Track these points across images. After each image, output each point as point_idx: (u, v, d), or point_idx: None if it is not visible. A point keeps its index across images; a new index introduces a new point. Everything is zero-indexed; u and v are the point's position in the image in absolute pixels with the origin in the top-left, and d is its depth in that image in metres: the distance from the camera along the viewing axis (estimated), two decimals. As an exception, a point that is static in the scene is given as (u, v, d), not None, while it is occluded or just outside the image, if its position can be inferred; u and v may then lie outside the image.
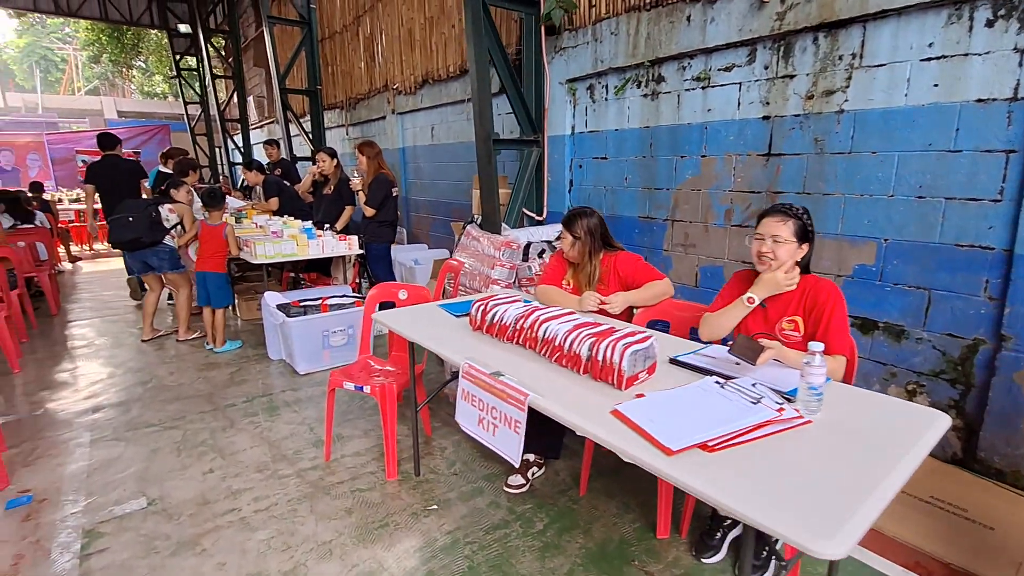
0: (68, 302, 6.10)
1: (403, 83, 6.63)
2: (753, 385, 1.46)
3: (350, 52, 8.04)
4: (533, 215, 4.32)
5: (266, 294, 3.87)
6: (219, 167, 15.64)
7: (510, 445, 1.51)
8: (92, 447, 2.78)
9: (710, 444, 1.20)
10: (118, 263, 7.10)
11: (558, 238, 4.00)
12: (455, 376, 3.05)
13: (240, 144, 13.54)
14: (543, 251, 3.65)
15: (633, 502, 2.28)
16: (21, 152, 15.52)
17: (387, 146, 7.34)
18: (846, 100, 2.80)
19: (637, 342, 1.52)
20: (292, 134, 8.57)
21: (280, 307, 3.74)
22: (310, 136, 8.57)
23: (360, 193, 4.45)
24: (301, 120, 8.79)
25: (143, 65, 28.06)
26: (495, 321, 1.95)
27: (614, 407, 1.38)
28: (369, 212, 4.41)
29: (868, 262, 2.80)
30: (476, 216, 4.56)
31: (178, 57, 15.87)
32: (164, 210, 4.23)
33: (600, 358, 1.53)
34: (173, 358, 4.12)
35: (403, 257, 5.74)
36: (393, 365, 2.80)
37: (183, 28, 14.93)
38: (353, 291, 4.31)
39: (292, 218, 5.09)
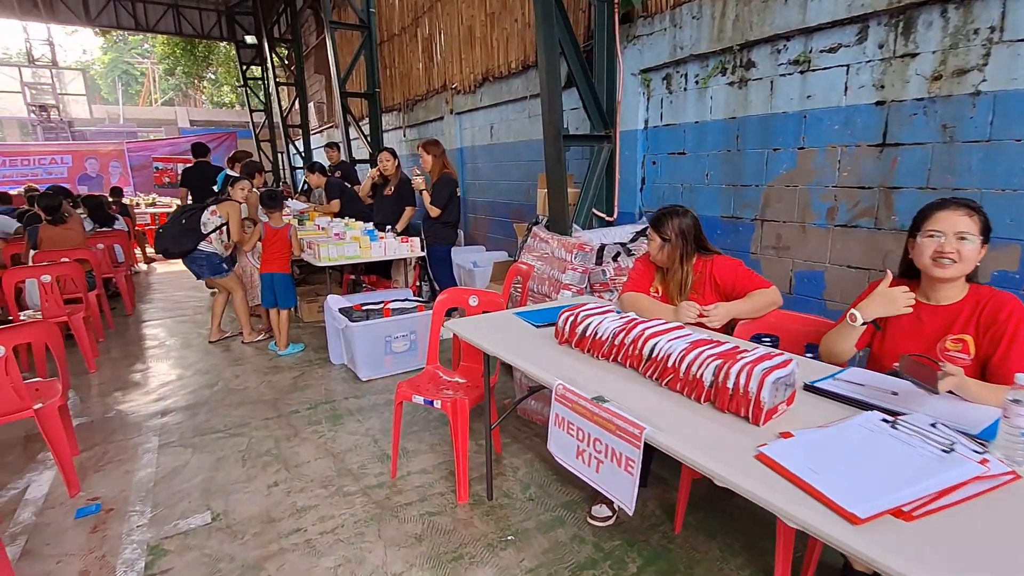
0: (142, 302, 6.32)
1: (462, 82, 6.50)
2: (933, 425, 1.15)
3: (408, 54, 8.01)
4: (603, 216, 4.05)
5: (328, 297, 3.79)
6: (281, 171, 16.16)
7: (621, 487, 1.27)
8: (159, 453, 2.74)
9: (906, 509, 0.92)
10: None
11: (632, 240, 3.73)
12: (531, 391, 2.84)
13: (301, 149, 13.92)
14: (618, 254, 3.38)
15: (738, 544, 1.98)
16: (104, 159, 16.60)
17: (445, 147, 7.25)
18: (983, 80, 2.40)
19: (777, 367, 1.24)
20: (351, 137, 8.65)
21: (342, 311, 3.64)
22: (368, 139, 8.62)
23: (424, 193, 4.32)
24: (360, 123, 8.86)
25: (213, 77, 29.65)
26: (587, 334, 1.72)
27: (758, 450, 1.11)
28: (434, 212, 4.27)
29: (1010, 268, 2.39)
30: (541, 217, 4.34)
31: (244, 67, 16.57)
32: (206, 214, 4.17)
33: (730, 385, 1.26)
34: (238, 360, 4.11)
35: (461, 259, 5.59)
36: (462, 376, 2.61)
37: (249, 39, 15.57)
38: (414, 294, 4.18)
39: (353, 220, 5.04)
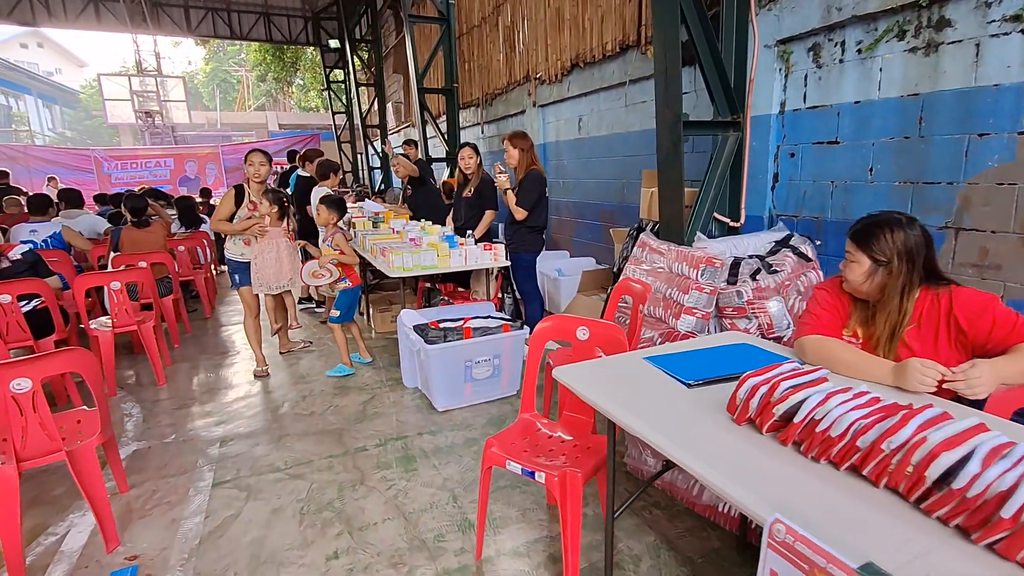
0: (222, 304, 6.27)
1: (547, 71, 5.93)
2: None
3: (488, 45, 7.55)
4: (726, 221, 3.33)
5: (402, 313, 3.35)
6: (360, 172, 16.37)
7: None
8: (212, 495, 2.38)
9: None
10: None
11: (771, 253, 3.00)
12: (668, 467, 2.17)
13: (379, 149, 13.95)
14: (757, 271, 2.67)
15: None
16: (202, 162, 17.59)
17: None
18: None
19: None
20: (428, 136, 8.33)
21: (418, 329, 3.18)
22: (445, 136, 8.26)
23: (508, 193, 3.79)
24: (437, 121, 8.54)
25: (301, 82, 31.04)
26: (800, 421, 1.08)
27: None
28: (520, 215, 3.73)
29: None
30: (645, 221, 3.68)
31: (328, 71, 16.96)
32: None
33: None
34: (306, 377, 3.78)
35: (545, 266, 5.03)
36: (567, 430, 2.04)
37: (333, 43, 15.87)
38: (496, 308, 3.66)
39: (430, 222, 4.60)
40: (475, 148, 4.31)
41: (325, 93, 17.62)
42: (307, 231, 5.01)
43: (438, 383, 3.10)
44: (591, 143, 5.50)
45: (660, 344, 2.71)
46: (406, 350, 3.41)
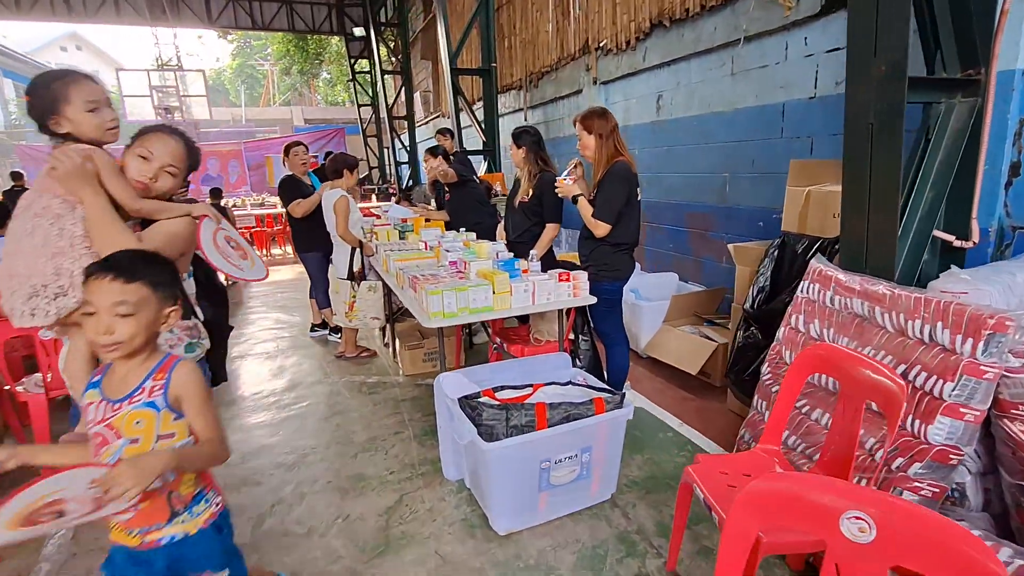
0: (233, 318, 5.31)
1: (615, 36, 4.75)
2: None
3: (534, 15, 6.39)
4: (950, 239, 2.12)
5: (441, 378, 2.25)
6: (387, 167, 15.44)
7: None
8: None
9: None
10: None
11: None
12: None
13: (406, 143, 12.96)
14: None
15: None
16: (224, 160, 16.92)
17: None
18: None
19: None
20: (463, 125, 7.24)
21: (466, 405, 2.09)
22: (482, 125, 7.15)
23: (581, 200, 2.66)
24: (472, 108, 7.44)
25: (327, 76, 30.38)
26: None
27: None
28: (601, 230, 2.60)
29: None
30: (796, 236, 2.50)
31: (353, 61, 16.05)
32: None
33: None
34: (307, 454, 2.75)
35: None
36: None
37: (358, 31, 14.89)
38: (571, 356, 2.54)
39: (472, 234, 3.50)
40: (525, 133, 3.21)
41: (351, 85, 16.72)
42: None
43: (499, 497, 2.01)
44: (674, 127, 4.31)
45: (902, 468, 1.55)
46: (447, 434, 2.32)
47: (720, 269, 4.01)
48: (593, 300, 2.54)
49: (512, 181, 3.42)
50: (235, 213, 9.99)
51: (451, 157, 4.50)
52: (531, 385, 2.27)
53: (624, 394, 2.21)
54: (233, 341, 4.62)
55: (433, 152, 4.19)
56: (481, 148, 7.21)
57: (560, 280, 2.46)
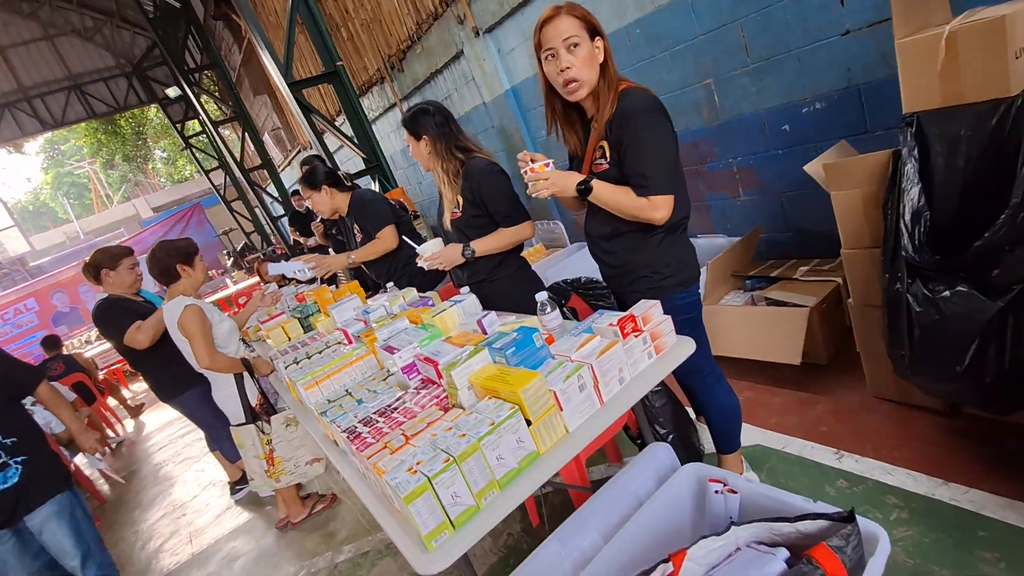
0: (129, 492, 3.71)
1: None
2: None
3: (366, -15, 5.06)
4: None
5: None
6: (265, 227, 13.50)
7: None
8: None
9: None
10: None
11: None
12: None
13: (276, 193, 11.16)
14: None
15: None
16: (71, 288, 14.16)
17: (476, 102, 4.34)
18: None
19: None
20: (331, 150, 5.81)
21: None
22: (355, 140, 5.74)
23: (594, 184, 1.48)
24: (335, 123, 6.01)
25: (163, 155, 27.04)
26: None
27: None
28: (662, 211, 1.44)
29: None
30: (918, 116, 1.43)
31: (180, 126, 13.84)
32: None
33: None
34: None
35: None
36: None
37: (171, 92, 12.72)
38: (633, 431, 1.37)
39: (415, 293, 2.22)
40: (419, 116, 1.97)
41: (188, 153, 14.47)
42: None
43: None
44: (612, 45, 3.19)
45: None
46: None
47: (736, 206, 2.99)
48: (691, 349, 1.36)
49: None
50: (92, 350, 8.00)
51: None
52: (663, 562, 1.08)
53: (851, 516, 1.06)
54: (118, 556, 3.09)
55: (311, 182, 2.76)
56: (364, 168, 5.81)
57: (626, 334, 1.25)
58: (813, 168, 1.87)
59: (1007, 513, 1.48)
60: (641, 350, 1.28)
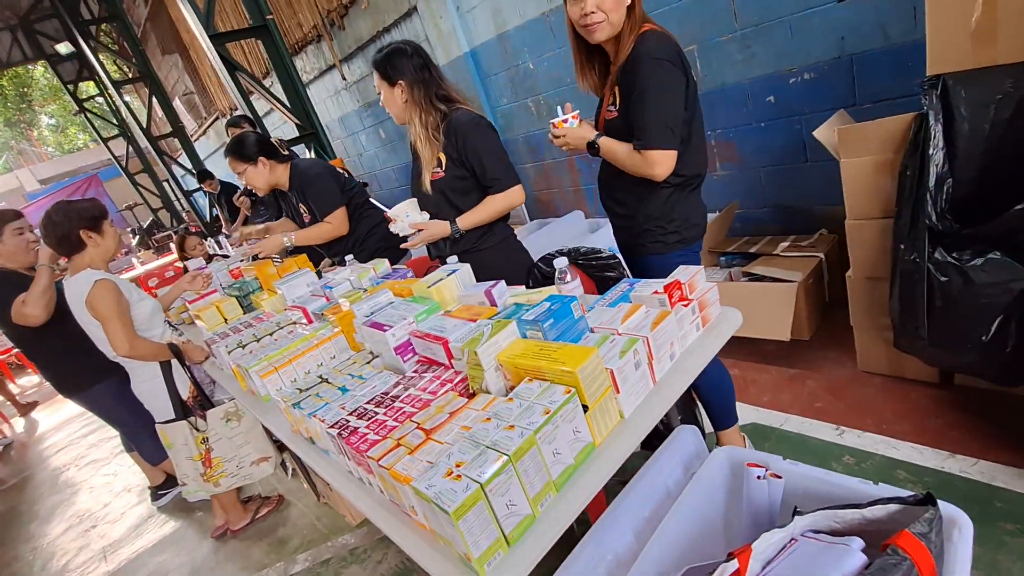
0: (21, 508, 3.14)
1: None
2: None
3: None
4: None
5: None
6: (176, 202, 12.26)
7: None
8: None
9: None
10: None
11: None
12: None
13: (189, 165, 10.10)
14: None
15: None
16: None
17: (438, 56, 4.03)
18: None
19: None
20: (260, 113, 5.24)
21: None
22: (285, 104, 5.21)
23: (603, 141, 1.31)
24: (263, 83, 5.41)
25: (50, 121, 23.96)
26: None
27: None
28: (663, 166, 1.36)
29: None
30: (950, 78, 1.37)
31: (72, 87, 12.16)
32: None
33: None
34: None
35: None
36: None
37: (62, 48, 11.16)
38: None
39: (387, 265, 1.94)
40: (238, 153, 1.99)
41: (82, 119, 12.81)
42: None
43: None
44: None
45: None
46: None
47: (713, 181, 2.91)
48: (738, 321, 1.21)
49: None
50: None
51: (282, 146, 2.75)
52: (727, 559, 0.93)
53: (928, 498, 0.96)
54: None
55: (242, 154, 2.34)
56: (298, 135, 5.29)
57: (672, 302, 1.08)
58: (823, 134, 1.78)
59: (1019, 483, 1.46)
60: (690, 321, 1.11)
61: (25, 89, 18.15)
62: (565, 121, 1.46)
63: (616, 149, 1.42)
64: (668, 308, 1.07)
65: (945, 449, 1.62)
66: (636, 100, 1.35)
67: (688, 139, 1.40)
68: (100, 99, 11.89)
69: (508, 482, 0.76)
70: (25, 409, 5.71)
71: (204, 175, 5.02)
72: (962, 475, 1.54)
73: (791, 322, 2.17)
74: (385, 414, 1.03)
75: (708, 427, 1.85)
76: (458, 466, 0.77)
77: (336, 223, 2.33)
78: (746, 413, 2.03)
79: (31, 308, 2.16)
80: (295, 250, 2.52)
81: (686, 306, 1.10)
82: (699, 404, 1.94)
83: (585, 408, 0.88)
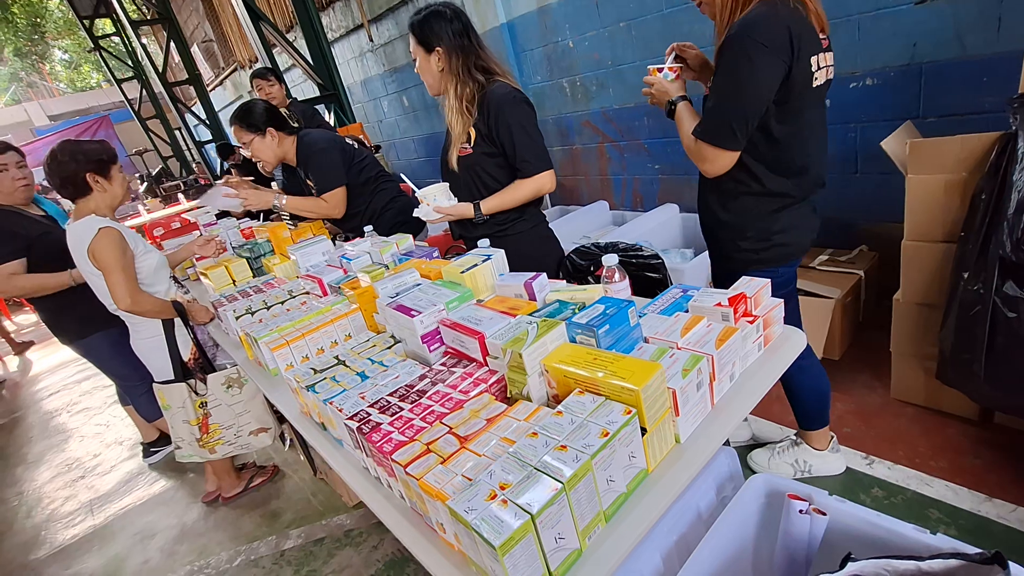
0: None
1: None
2: None
3: None
4: None
5: None
6: (186, 152, 12.10)
7: None
8: None
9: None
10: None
11: None
12: None
13: (203, 116, 9.91)
14: None
15: None
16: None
17: (477, 25, 3.86)
18: None
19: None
20: (281, 68, 5.06)
21: None
22: (308, 62, 5.04)
23: (681, 105, 1.21)
24: (288, 36, 5.23)
25: (63, 56, 23.51)
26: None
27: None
28: (708, 161, 1.28)
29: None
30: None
31: (88, 23, 11.86)
32: None
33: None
34: None
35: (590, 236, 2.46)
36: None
37: (78, -23, 10.84)
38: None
39: (411, 241, 1.83)
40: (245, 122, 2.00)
41: (97, 57, 12.53)
42: None
43: None
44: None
45: None
46: None
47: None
48: (802, 343, 1.10)
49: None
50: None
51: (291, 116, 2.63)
52: None
53: (997, 557, 0.87)
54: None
55: (249, 123, 2.17)
56: (319, 94, 5.12)
57: (736, 317, 0.97)
58: (892, 145, 1.66)
59: (1062, 538, 1.38)
60: (753, 340, 1.00)
61: (38, 20, 17.73)
62: (660, 70, 1.34)
63: (684, 123, 1.30)
64: (733, 324, 0.97)
65: (983, 492, 1.54)
66: (713, 83, 1.24)
67: (767, 137, 1.24)
68: (116, 39, 11.62)
69: (560, 513, 0.66)
70: (20, 348, 5.65)
71: (226, 149, 4.31)
72: (999, 520, 1.45)
73: (824, 340, 2.07)
74: (411, 411, 0.93)
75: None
76: (502, 488, 0.68)
77: (332, 202, 2.20)
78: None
79: (12, 286, 2.09)
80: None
81: (751, 323, 0.99)
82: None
83: (643, 431, 0.78)
